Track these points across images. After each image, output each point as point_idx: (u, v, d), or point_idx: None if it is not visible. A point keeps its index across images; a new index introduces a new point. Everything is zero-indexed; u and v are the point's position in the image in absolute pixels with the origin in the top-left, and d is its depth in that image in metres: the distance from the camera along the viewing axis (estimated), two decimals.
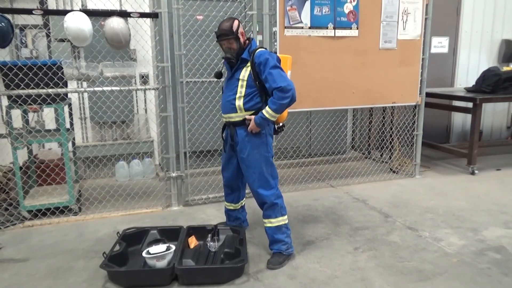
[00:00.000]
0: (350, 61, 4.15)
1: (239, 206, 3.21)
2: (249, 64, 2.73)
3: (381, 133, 5.43)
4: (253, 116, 2.72)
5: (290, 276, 2.63)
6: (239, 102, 2.76)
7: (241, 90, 2.75)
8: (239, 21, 2.79)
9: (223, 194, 3.25)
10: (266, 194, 2.78)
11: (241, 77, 2.75)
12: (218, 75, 2.97)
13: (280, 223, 2.80)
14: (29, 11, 3.37)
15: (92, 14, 3.58)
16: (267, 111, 2.67)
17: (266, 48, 2.86)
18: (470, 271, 2.68)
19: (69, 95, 4.26)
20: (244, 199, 3.25)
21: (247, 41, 2.81)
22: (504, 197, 4.08)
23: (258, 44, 2.96)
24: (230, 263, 2.69)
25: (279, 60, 2.74)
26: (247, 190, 3.22)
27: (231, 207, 3.20)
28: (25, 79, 3.38)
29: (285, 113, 2.87)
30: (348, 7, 4.03)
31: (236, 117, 2.80)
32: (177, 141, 3.85)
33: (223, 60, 2.95)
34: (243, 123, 2.78)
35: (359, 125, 5.86)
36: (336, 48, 4.07)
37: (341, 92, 4.19)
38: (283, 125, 2.98)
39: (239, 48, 2.75)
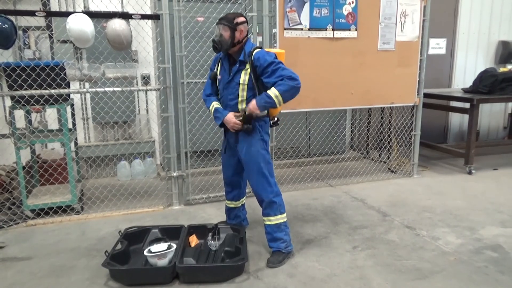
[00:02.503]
0: (349, 62, 4.19)
1: (240, 204, 3.24)
2: (247, 66, 2.73)
3: (380, 133, 5.47)
4: (253, 101, 2.70)
5: (290, 275, 2.65)
6: (242, 106, 2.80)
7: (242, 94, 2.77)
8: (247, 21, 2.79)
9: (223, 193, 3.28)
10: (265, 191, 2.82)
11: (241, 81, 2.75)
12: (214, 76, 2.95)
13: (279, 221, 2.84)
14: (32, 13, 3.40)
15: (94, 15, 3.60)
16: (272, 91, 2.63)
17: (261, 47, 2.84)
18: (467, 269, 2.71)
19: (72, 95, 4.29)
20: (245, 197, 3.29)
21: (241, 43, 2.76)
22: (500, 196, 4.12)
23: (257, 44, 2.95)
24: (230, 261, 2.70)
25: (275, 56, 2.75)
26: (247, 189, 3.26)
27: (232, 205, 3.23)
28: (28, 80, 3.41)
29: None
30: (347, 9, 4.07)
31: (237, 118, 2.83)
32: (178, 141, 3.89)
33: (219, 59, 2.92)
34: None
35: (357, 126, 5.90)
36: (335, 49, 4.10)
37: (340, 93, 4.23)
38: (278, 120, 3.00)
39: (229, 41, 2.71)
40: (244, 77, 2.75)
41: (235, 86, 2.79)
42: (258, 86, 2.76)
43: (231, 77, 2.80)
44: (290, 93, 2.65)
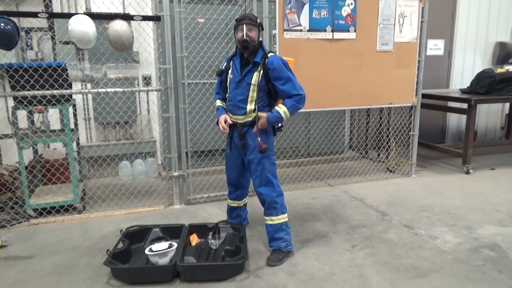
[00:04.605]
0: (348, 63, 4.22)
1: (242, 204, 3.27)
2: (260, 68, 2.75)
3: (378, 133, 5.50)
4: (265, 114, 2.76)
5: (289, 273, 2.68)
6: (250, 106, 2.80)
7: (253, 95, 2.78)
8: None
9: (224, 192, 3.30)
10: (268, 192, 2.84)
11: (253, 82, 2.75)
12: (220, 73, 2.96)
13: (281, 221, 2.86)
14: (34, 14, 3.42)
15: (96, 17, 3.62)
16: (284, 112, 2.73)
17: (274, 52, 2.86)
18: (465, 268, 2.73)
19: (74, 96, 4.32)
20: (247, 197, 3.31)
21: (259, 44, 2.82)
22: (498, 196, 4.15)
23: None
24: (230, 260, 2.72)
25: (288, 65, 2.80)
26: (249, 189, 3.28)
27: (235, 204, 3.25)
28: (31, 80, 3.43)
29: None
30: (346, 11, 4.10)
31: (243, 118, 2.85)
32: (179, 141, 3.92)
33: (231, 58, 2.94)
34: (250, 123, 2.84)
35: (356, 126, 5.93)
36: (334, 51, 4.14)
37: (339, 94, 4.26)
38: (282, 125, 3.05)
39: (256, 40, 2.74)
40: (256, 78, 2.76)
41: (245, 86, 2.79)
42: (269, 88, 2.78)
43: (242, 77, 2.81)
44: (295, 112, 2.83)
